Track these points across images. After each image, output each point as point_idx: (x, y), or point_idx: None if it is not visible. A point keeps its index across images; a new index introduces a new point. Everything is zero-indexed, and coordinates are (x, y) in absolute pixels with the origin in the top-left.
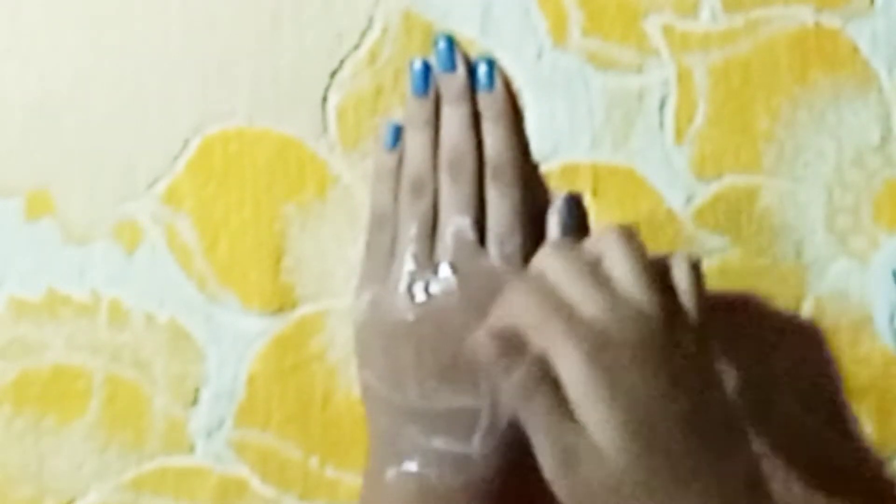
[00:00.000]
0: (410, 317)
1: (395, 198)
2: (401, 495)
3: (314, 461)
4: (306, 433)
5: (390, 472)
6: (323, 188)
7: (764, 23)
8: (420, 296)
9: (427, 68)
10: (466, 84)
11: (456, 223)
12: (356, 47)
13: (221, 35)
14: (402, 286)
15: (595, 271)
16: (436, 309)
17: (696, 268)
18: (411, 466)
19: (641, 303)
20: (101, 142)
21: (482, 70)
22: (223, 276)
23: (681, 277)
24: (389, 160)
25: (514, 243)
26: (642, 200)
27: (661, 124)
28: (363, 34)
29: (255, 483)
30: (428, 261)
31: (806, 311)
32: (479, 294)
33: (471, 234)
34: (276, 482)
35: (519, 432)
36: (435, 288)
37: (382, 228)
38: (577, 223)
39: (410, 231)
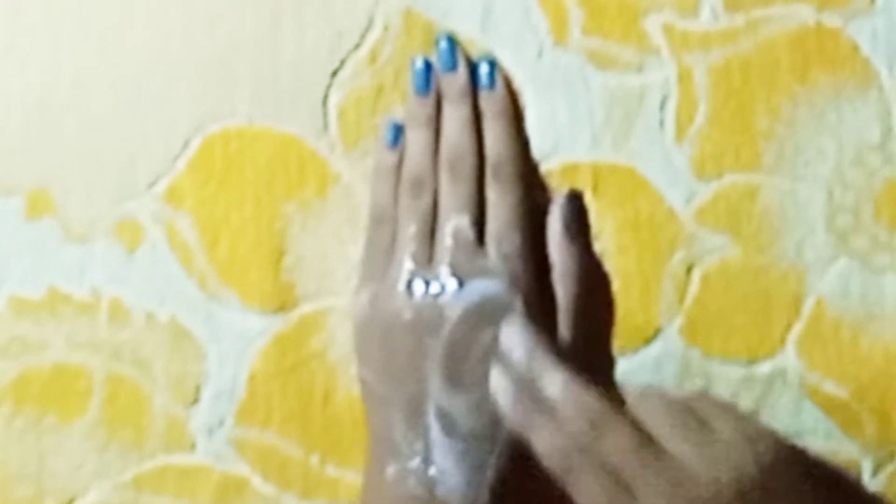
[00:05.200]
0: (408, 315)
1: (395, 196)
2: (401, 493)
3: (315, 459)
4: (307, 431)
5: (390, 470)
6: (323, 187)
7: (764, 22)
8: (418, 294)
9: (428, 67)
10: (468, 83)
11: (455, 222)
12: (357, 46)
13: (221, 35)
14: (401, 284)
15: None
16: (434, 308)
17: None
18: (411, 464)
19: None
20: (101, 141)
21: (483, 70)
22: (224, 275)
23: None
24: (390, 158)
25: (513, 242)
26: (642, 199)
27: (662, 123)
28: (364, 33)
29: (256, 481)
30: (427, 259)
31: (806, 310)
32: (475, 295)
33: (470, 233)
34: (276, 481)
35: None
36: (433, 287)
37: (382, 226)
38: (579, 222)
39: (410, 229)
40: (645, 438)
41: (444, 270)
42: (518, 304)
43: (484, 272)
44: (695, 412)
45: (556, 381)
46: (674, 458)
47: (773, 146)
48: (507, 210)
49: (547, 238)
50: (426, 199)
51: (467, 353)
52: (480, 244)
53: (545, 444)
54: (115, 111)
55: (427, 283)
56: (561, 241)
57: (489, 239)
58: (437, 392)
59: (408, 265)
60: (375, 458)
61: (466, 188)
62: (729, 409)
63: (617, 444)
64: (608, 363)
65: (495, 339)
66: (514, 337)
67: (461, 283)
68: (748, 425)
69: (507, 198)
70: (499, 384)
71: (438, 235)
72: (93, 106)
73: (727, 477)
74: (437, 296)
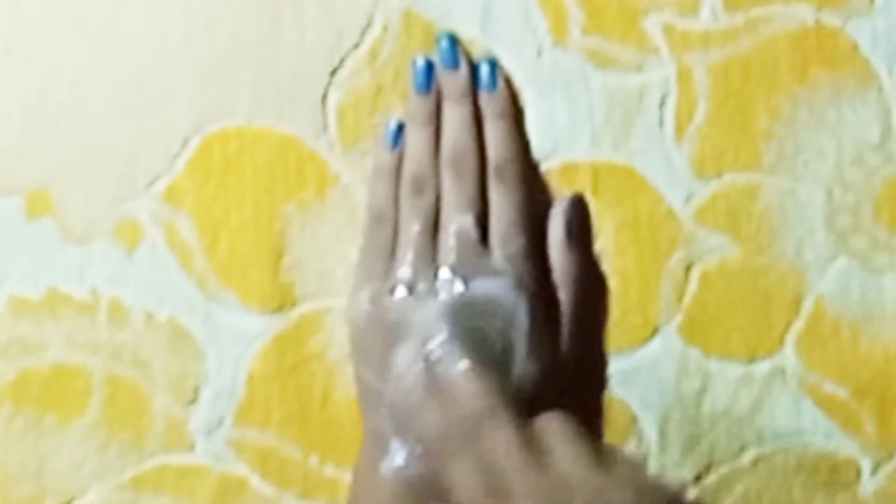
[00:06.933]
0: (412, 314)
1: (395, 196)
2: (395, 493)
3: (313, 460)
4: (306, 432)
5: (383, 470)
6: (322, 187)
7: (764, 21)
8: (422, 293)
9: (429, 65)
10: (469, 82)
11: (459, 221)
12: (356, 46)
13: (221, 35)
14: (405, 283)
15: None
16: (437, 306)
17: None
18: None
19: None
20: (101, 142)
21: (484, 70)
22: (223, 275)
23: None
24: (389, 158)
25: (518, 243)
26: (642, 199)
27: (661, 123)
28: (363, 33)
29: (255, 482)
30: (431, 258)
31: (805, 310)
32: (480, 295)
33: (473, 233)
34: (275, 481)
35: None
36: (437, 286)
37: (381, 226)
38: (581, 225)
39: (412, 229)
40: (532, 442)
41: (448, 269)
42: (523, 305)
43: (489, 272)
44: (602, 450)
45: (459, 365)
46: (560, 473)
47: (772, 146)
48: (511, 211)
49: (548, 241)
50: (428, 198)
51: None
52: (484, 244)
53: (430, 424)
54: (115, 111)
55: (431, 282)
56: (563, 246)
57: (493, 240)
58: None
59: (412, 264)
60: (368, 457)
61: (469, 187)
62: (636, 465)
63: (502, 439)
64: (602, 364)
65: (501, 338)
66: (440, 317)
67: (466, 283)
68: (650, 481)
69: (511, 199)
70: (406, 356)
71: (442, 235)
72: (93, 106)
73: None
74: (440, 295)
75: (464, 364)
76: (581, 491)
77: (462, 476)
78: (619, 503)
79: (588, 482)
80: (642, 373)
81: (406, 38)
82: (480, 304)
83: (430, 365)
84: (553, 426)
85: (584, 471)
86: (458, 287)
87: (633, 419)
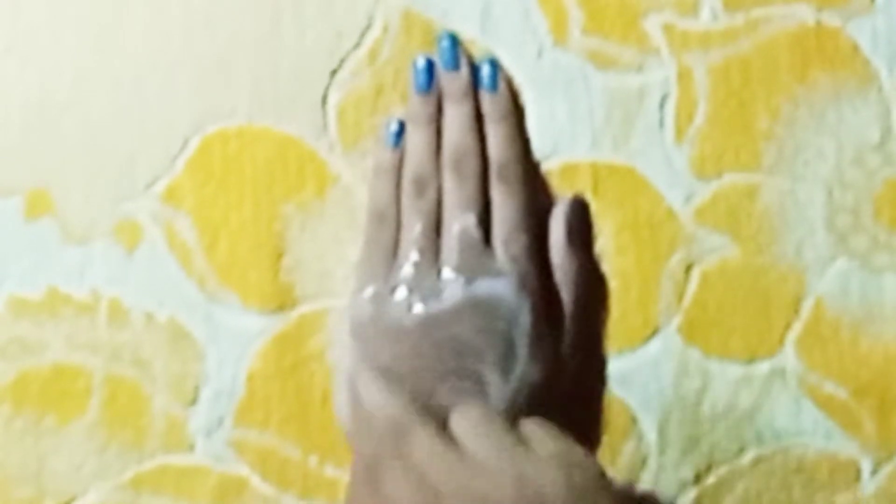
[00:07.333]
0: (415, 316)
1: (396, 196)
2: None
3: (313, 460)
4: (306, 432)
5: None
6: (323, 188)
7: (764, 22)
8: (426, 293)
9: (430, 65)
10: (469, 83)
11: (461, 222)
12: (356, 46)
13: (221, 35)
14: (407, 285)
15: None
16: (441, 310)
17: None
18: None
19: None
20: (100, 142)
21: (485, 71)
22: (223, 276)
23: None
24: (390, 158)
25: (521, 244)
26: (642, 200)
27: (662, 123)
28: (363, 33)
29: (255, 482)
30: (434, 258)
31: (805, 311)
32: (484, 295)
33: (476, 233)
34: (275, 481)
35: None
36: (441, 285)
37: (383, 226)
38: (581, 227)
39: (415, 229)
40: (451, 445)
41: (451, 269)
42: (526, 305)
43: (492, 273)
44: (518, 430)
45: (368, 390)
46: (484, 467)
47: (772, 146)
48: (513, 212)
49: (549, 242)
50: (430, 198)
51: (473, 351)
52: (486, 245)
53: (361, 447)
54: (115, 111)
55: (434, 282)
56: (564, 247)
57: (496, 240)
58: (440, 390)
59: (414, 264)
60: None
61: (471, 187)
62: (556, 436)
63: (421, 448)
64: (602, 364)
65: (504, 338)
66: (345, 350)
67: (469, 283)
68: (571, 453)
69: (514, 199)
70: (339, 397)
71: (445, 235)
72: (93, 106)
73: (532, 492)
74: (443, 294)
75: (373, 386)
76: (504, 476)
77: (395, 486)
78: (546, 481)
79: (510, 466)
80: (642, 373)
81: (406, 38)
82: (484, 304)
83: (353, 387)
84: (466, 420)
85: (505, 455)
86: (461, 286)
87: (633, 419)
